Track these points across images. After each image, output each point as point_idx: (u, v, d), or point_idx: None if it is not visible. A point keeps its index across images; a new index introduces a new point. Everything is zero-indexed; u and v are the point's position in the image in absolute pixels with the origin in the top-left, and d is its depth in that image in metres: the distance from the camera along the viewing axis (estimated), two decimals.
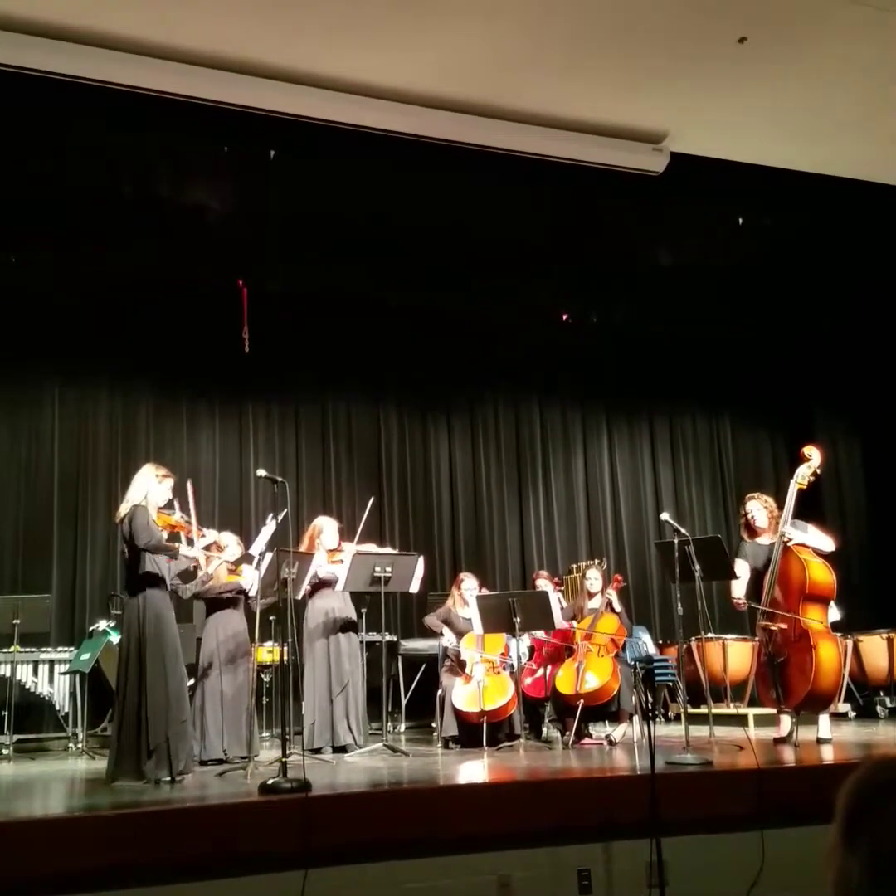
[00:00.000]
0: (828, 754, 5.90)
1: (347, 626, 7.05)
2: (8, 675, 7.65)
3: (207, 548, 6.24)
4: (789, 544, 6.27)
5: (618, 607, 7.30)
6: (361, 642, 7.34)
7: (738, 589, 6.46)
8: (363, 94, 6.94)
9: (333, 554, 7.09)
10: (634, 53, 6.76)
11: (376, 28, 6.41)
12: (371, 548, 7.31)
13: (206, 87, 6.61)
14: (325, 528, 7.22)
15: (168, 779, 5.31)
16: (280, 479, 5.68)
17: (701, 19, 6.44)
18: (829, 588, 6.26)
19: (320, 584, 7.01)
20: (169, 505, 5.88)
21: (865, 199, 8.38)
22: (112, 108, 6.68)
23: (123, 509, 5.69)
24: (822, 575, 6.22)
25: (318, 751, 6.56)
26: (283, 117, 6.90)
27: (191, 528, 5.94)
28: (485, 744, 6.56)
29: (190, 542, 5.91)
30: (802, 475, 6.45)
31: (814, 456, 6.49)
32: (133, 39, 6.35)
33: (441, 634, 7.41)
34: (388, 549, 7.54)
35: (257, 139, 7.22)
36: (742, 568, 6.45)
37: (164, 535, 5.73)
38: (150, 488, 5.71)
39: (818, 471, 6.54)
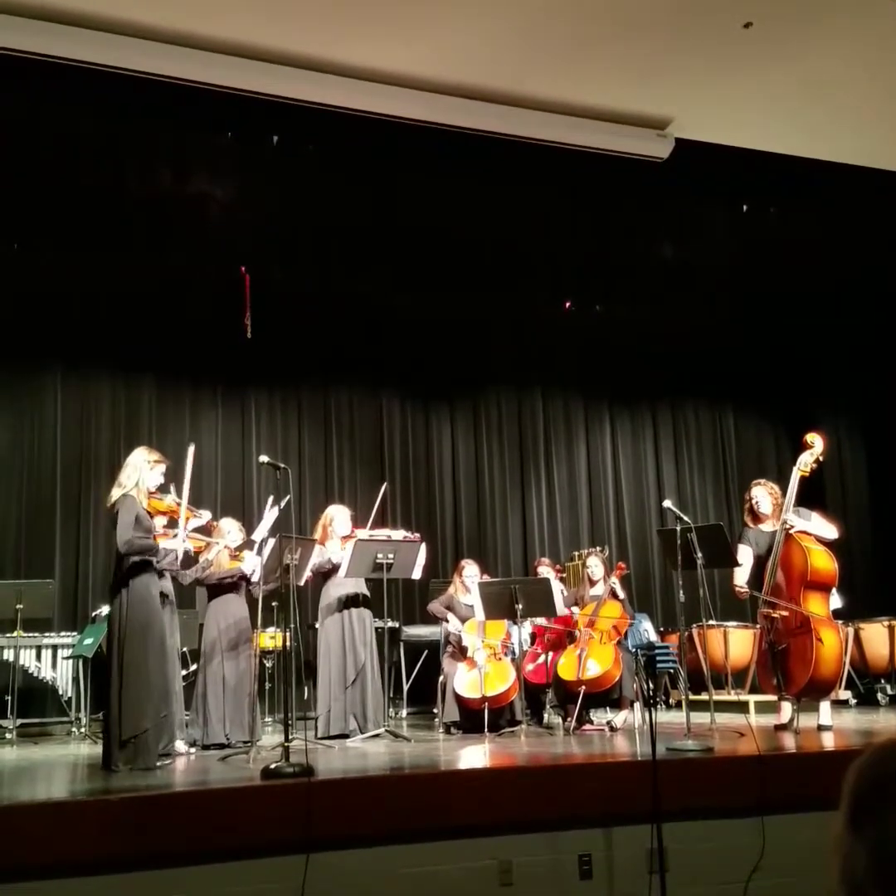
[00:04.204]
0: (828, 741, 5.92)
1: (361, 603, 7.05)
2: (11, 659, 7.67)
3: (199, 530, 6.20)
4: (791, 532, 6.27)
5: (621, 594, 7.32)
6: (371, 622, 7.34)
7: (741, 577, 6.45)
8: (369, 80, 6.92)
9: (346, 541, 7.09)
10: (639, 39, 6.74)
11: (383, 14, 6.40)
12: (385, 534, 7.32)
13: (208, 72, 6.60)
14: (337, 516, 7.22)
15: (139, 769, 5.23)
16: (282, 465, 5.66)
17: (706, 4, 6.42)
18: (830, 576, 6.26)
19: (333, 570, 7.02)
20: (161, 489, 5.86)
21: (871, 187, 8.34)
22: (114, 94, 6.67)
23: (114, 494, 5.62)
24: (823, 562, 6.22)
25: (334, 738, 6.59)
26: (289, 103, 6.89)
27: (188, 513, 5.91)
28: (486, 729, 6.57)
29: (174, 523, 5.84)
30: (805, 462, 6.45)
31: (816, 443, 6.48)
32: (134, 24, 6.34)
33: (446, 621, 7.43)
34: (403, 533, 7.52)
35: (260, 125, 7.21)
36: (745, 554, 6.44)
37: (157, 521, 5.70)
38: (142, 475, 5.65)
39: (821, 458, 6.53)
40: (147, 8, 6.22)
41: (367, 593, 7.16)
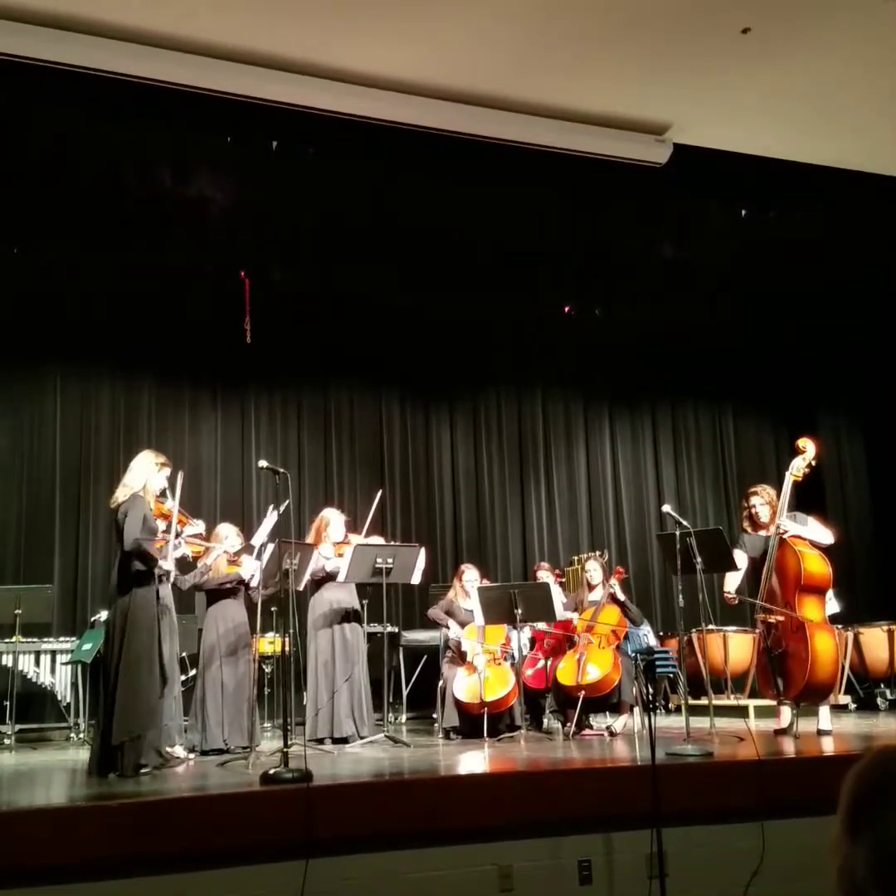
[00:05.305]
0: (828, 746, 5.91)
1: (352, 618, 7.05)
2: (10, 665, 7.66)
3: (195, 536, 6.19)
4: (785, 536, 6.27)
5: (621, 596, 7.31)
6: (363, 633, 7.34)
7: (731, 583, 6.47)
8: (368, 85, 6.92)
9: (340, 547, 7.08)
10: (638, 44, 6.73)
11: (382, 19, 6.39)
12: (377, 541, 7.31)
13: (208, 77, 6.59)
14: (332, 520, 7.21)
15: (127, 775, 5.21)
16: (282, 470, 5.66)
17: (704, 9, 6.42)
18: (824, 579, 6.26)
19: (326, 578, 7.02)
20: (163, 493, 5.85)
21: (871, 190, 8.34)
22: (113, 99, 6.66)
23: (121, 495, 5.62)
24: (817, 566, 6.22)
25: (320, 741, 6.58)
26: (287, 108, 6.88)
27: (183, 519, 5.90)
28: (485, 735, 6.56)
29: (178, 533, 5.82)
30: (797, 467, 6.46)
31: (808, 448, 6.49)
32: (135, 29, 6.33)
33: (447, 628, 7.41)
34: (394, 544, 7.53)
35: (259, 129, 7.20)
36: (739, 559, 6.45)
37: (160, 524, 5.70)
38: (149, 477, 5.68)
39: (813, 462, 6.54)
40: (148, 12, 6.21)
41: (358, 608, 7.15)
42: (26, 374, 9.27)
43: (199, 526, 6.07)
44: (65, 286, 8.91)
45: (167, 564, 5.67)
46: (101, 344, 9.36)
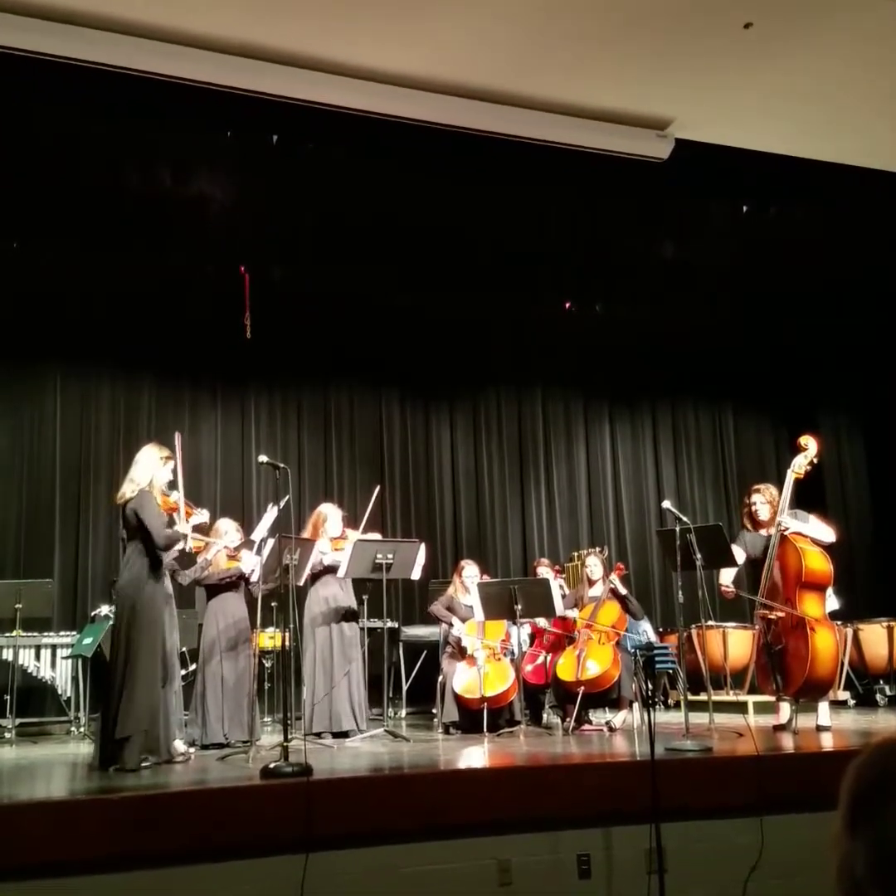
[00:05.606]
0: (827, 741, 5.92)
1: (348, 614, 7.07)
2: (10, 659, 7.68)
3: (198, 529, 6.21)
4: (786, 533, 6.28)
5: (623, 591, 7.33)
6: (362, 629, 7.36)
7: (726, 577, 6.48)
8: (368, 80, 6.92)
9: (337, 542, 7.10)
10: (638, 44, 6.73)
11: (384, 14, 6.39)
12: (375, 537, 7.32)
13: (208, 71, 6.58)
14: (330, 515, 7.22)
15: (128, 769, 5.21)
16: (282, 465, 5.66)
17: (704, 9, 6.42)
18: (825, 576, 6.27)
19: (323, 572, 7.02)
20: (168, 486, 5.87)
21: (871, 188, 8.34)
22: (112, 93, 6.65)
23: (128, 491, 5.62)
24: (818, 563, 6.24)
25: (318, 735, 6.59)
26: (287, 102, 6.88)
27: (189, 510, 5.91)
28: (485, 729, 6.58)
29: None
30: (799, 465, 6.47)
31: (810, 445, 6.51)
32: (133, 23, 6.32)
33: (450, 625, 7.42)
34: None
35: (259, 125, 7.20)
36: (738, 555, 6.46)
37: (165, 518, 5.72)
38: (155, 472, 5.69)
39: (815, 460, 6.55)
40: (147, 6, 6.21)
41: (355, 606, 7.15)
42: (26, 374, 9.27)
43: (203, 515, 6.08)
44: (65, 286, 8.92)
45: (183, 528, 5.73)
46: (101, 344, 9.36)
